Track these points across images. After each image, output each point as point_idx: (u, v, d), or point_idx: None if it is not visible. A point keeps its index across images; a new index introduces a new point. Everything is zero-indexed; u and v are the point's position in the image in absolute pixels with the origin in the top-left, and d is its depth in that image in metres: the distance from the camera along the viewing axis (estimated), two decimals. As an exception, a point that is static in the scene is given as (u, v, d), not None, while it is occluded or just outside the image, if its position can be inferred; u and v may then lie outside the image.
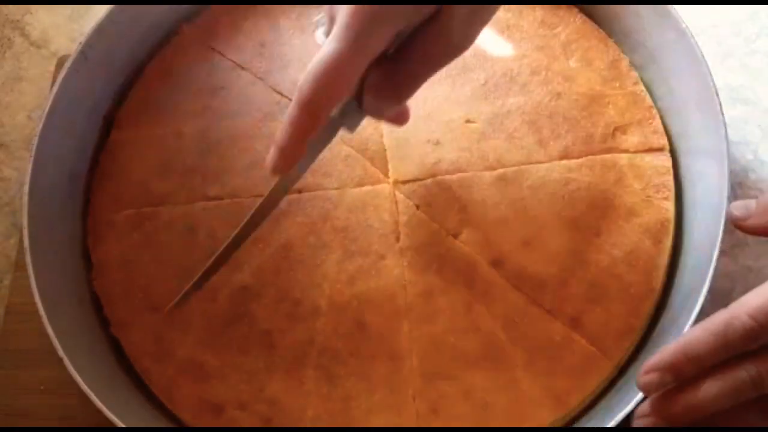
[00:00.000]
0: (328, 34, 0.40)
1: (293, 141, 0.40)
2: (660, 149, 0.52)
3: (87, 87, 0.55)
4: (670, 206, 0.51)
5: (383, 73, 0.39)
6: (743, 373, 0.37)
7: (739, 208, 0.44)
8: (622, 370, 0.48)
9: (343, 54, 0.37)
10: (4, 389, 0.54)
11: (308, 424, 0.47)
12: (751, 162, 0.56)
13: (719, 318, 0.37)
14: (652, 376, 0.38)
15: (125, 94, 0.58)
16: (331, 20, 0.39)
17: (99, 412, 0.44)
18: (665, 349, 0.38)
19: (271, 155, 0.41)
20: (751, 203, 0.44)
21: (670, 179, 0.51)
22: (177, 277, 0.51)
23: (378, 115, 0.43)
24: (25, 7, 0.68)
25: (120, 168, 0.56)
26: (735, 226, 0.44)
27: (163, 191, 0.54)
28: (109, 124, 0.57)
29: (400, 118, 0.47)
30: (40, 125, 0.51)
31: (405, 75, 0.40)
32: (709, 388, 0.37)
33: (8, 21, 0.68)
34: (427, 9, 0.38)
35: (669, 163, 0.52)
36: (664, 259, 0.49)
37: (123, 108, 0.57)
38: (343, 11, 0.37)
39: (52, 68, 0.65)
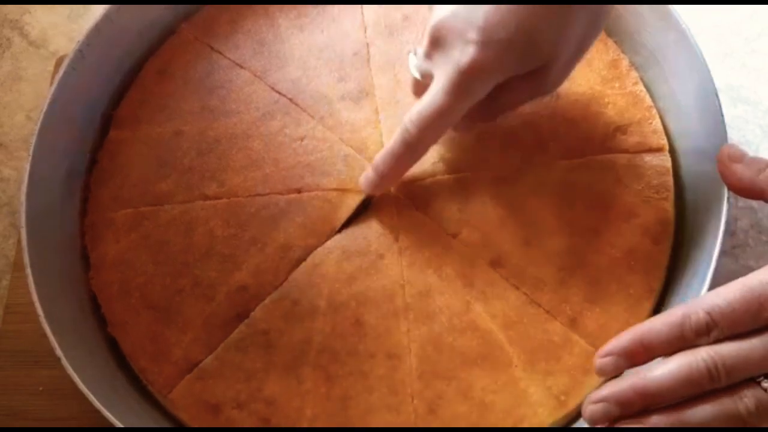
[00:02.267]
0: (420, 69, 0.48)
1: (393, 172, 0.48)
2: (660, 149, 0.52)
3: (85, 85, 0.55)
4: (669, 207, 0.51)
5: (478, 104, 0.45)
6: (697, 357, 0.37)
7: (734, 148, 0.45)
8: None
9: (451, 106, 0.44)
10: (4, 389, 0.54)
11: (306, 424, 0.47)
12: (751, 162, 0.56)
13: (677, 311, 0.39)
14: (607, 360, 0.39)
15: (124, 93, 0.58)
16: (428, 58, 0.46)
17: (98, 412, 0.44)
18: (623, 335, 0.39)
19: (368, 177, 0.48)
20: (746, 153, 0.45)
21: (669, 180, 0.51)
22: (174, 276, 0.51)
23: (465, 132, 0.51)
24: (24, 6, 0.68)
25: (118, 167, 0.55)
26: (720, 169, 0.45)
27: (161, 190, 0.54)
28: (107, 123, 0.57)
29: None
30: (39, 123, 0.51)
31: (497, 106, 0.47)
32: (661, 368, 0.38)
33: (7, 21, 0.68)
34: (533, 65, 0.44)
35: (668, 163, 0.52)
36: (663, 259, 0.49)
37: (121, 107, 0.57)
38: (453, 67, 0.43)
39: (50, 68, 0.65)
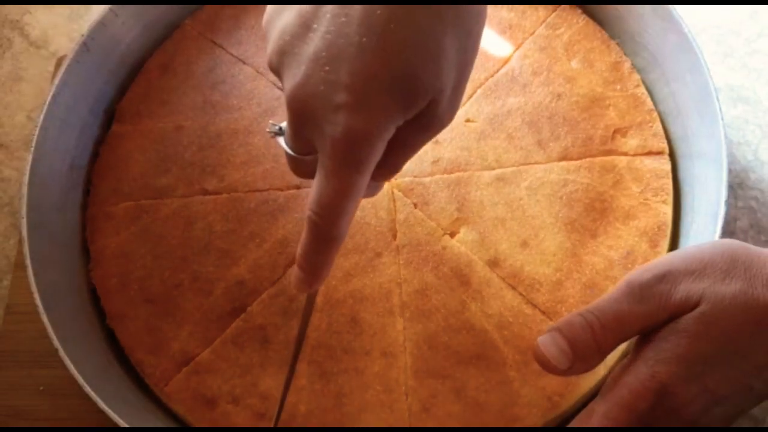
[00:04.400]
0: (294, 150, 0.40)
1: (321, 265, 0.40)
2: (659, 153, 0.52)
3: (89, 79, 0.55)
4: (667, 209, 0.50)
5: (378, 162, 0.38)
6: None
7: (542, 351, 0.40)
8: (616, 373, 0.48)
9: (348, 185, 0.37)
10: (4, 389, 0.54)
11: (300, 420, 0.47)
12: (751, 162, 0.56)
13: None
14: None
15: (127, 87, 0.58)
16: (297, 137, 0.39)
17: (99, 412, 0.44)
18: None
19: (300, 278, 0.40)
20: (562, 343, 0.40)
21: (668, 183, 0.51)
22: (173, 270, 0.51)
23: (373, 194, 0.44)
24: (25, 7, 0.68)
25: (120, 160, 0.56)
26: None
27: (162, 184, 0.54)
28: (110, 117, 0.58)
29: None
30: (42, 115, 0.52)
31: (396, 158, 0.40)
32: None
33: (7, 21, 0.67)
34: (420, 106, 0.37)
35: (668, 166, 0.52)
36: (660, 262, 0.49)
37: (124, 101, 0.58)
38: (330, 143, 0.36)
39: (51, 68, 0.65)
